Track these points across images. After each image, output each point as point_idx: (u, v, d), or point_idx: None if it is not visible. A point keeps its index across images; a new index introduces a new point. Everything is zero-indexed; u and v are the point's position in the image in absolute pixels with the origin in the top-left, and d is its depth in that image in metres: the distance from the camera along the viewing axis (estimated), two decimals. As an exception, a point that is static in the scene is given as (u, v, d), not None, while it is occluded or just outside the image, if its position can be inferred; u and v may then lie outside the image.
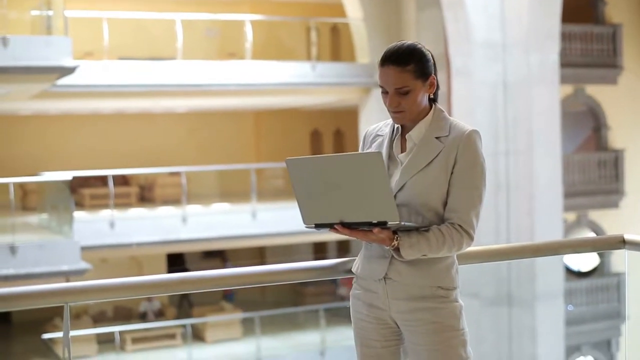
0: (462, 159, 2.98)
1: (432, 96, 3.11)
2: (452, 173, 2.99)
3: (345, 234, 2.92)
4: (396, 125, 3.14)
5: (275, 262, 3.51)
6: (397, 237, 2.91)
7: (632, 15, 21.61)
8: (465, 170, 2.99)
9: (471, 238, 2.99)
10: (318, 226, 2.96)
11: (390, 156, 3.10)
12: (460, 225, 2.97)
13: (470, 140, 3.00)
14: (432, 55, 3.11)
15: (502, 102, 15.71)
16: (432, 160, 3.00)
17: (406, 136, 3.10)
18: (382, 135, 3.17)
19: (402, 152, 3.10)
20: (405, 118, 3.06)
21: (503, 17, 15.63)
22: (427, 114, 3.09)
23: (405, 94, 3.02)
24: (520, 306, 15.72)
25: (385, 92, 3.06)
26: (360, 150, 3.18)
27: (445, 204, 3.01)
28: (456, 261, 3.10)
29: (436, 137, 3.03)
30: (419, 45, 3.08)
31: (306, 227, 3.00)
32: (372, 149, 3.15)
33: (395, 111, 3.05)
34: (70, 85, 16.18)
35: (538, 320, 15.70)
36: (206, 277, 3.20)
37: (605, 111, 21.41)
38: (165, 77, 17.46)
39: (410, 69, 3.01)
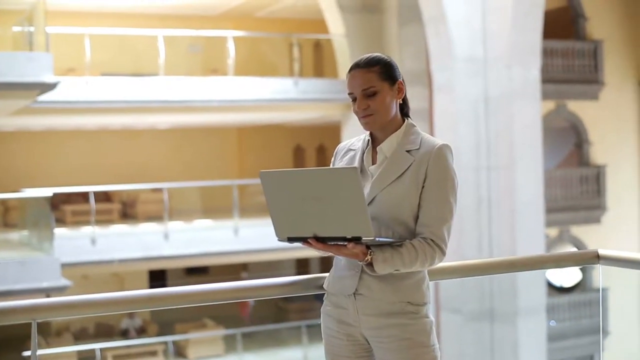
0: (432, 173, 2.97)
1: (402, 105, 3.13)
2: (422, 187, 2.98)
3: (319, 249, 2.90)
4: (368, 139, 3.13)
5: (257, 278, 3.49)
6: (370, 252, 2.89)
7: (613, 31, 21.72)
8: (436, 184, 2.97)
9: (443, 253, 2.98)
10: (291, 239, 2.93)
11: (362, 169, 3.09)
12: (432, 240, 2.95)
13: (440, 154, 2.99)
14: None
15: (484, 117, 15.73)
16: (402, 174, 2.99)
17: (377, 148, 3.09)
18: (354, 150, 3.16)
19: (372, 164, 3.09)
20: (376, 122, 3.05)
21: (485, 33, 15.67)
22: (398, 128, 3.08)
23: (373, 95, 3.03)
24: (502, 321, 15.70)
25: (354, 100, 3.07)
26: (331, 165, 3.17)
27: (415, 218, 2.99)
28: (427, 276, 3.09)
29: (407, 151, 3.02)
30: (385, 55, 3.11)
31: (279, 240, 2.98)
32: (343, 163, 3.14)
33: (364, 115, 3.05)
34: (51, 101, 16.12)
35: (520, 336, 15.68)
36: (176, 293, 3.17)
37: (587, 127, 21.48)
38: (147, 93, 17.42)
39: (376, 70, 3.04)
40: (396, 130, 3.08)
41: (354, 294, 3.03)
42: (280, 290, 3.39)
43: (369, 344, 3.09)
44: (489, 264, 3.91)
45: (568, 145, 22.19)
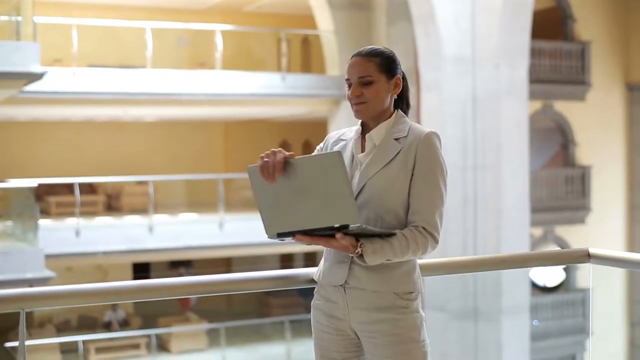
0: (421, 159, 2.98)
1: (398, 102, 3.14)
2: (412, 175, 2.98)
3: (308, 242, 2.89)
4: (358, 129, 3.14)
5: (241, 270, 3.47)
6: (360, 244, 2.88)
7: (601, 32, 21.78)
8: (425, 171, 2.98)
9: (436, 241, 2.97)
10: (280, 235, 2.91)
11: (352, 158, 3.09)
12: (424, 228, 2.95)
13: (428, 141, 3.00)
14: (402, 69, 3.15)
15: (471, 117, 15.75)
16: (390, 161, 3.00)
17: (366, 136, 3.10)
18: (345, 140, 3.16)
19: (362, 152, 3.09)
20: (367, 111, 3.06)
21: (473, 32, 15.69)
22: (389, 118, 3.10)
23: (368, 85, 3.04)
24: (486, 320, 15.73)
25: (350, 87, 3.09)
26: (321, 149, 3.20)
27: (405, 206, 2.99)
28: (417, 266, 3.08)
29: (395, 139, 3.03)
30: (389, 50, 3.13)
31: (269, 237, 2.97)
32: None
33: (357, 102, 3.06)
34: (38, 91, 16.06)
35: (504, 335, 15.72)
36: (164, 285, 3.16)
37: (573, 127, 21.54)
38: (134, 85, 17.37)
39: (376, 60, 3.06)
40: (386, 120, 3.09)
41: (344, 287, 3.02)
42: (270, 284, 3.37)
43: (358, 338, 3.08)
44: (479, 261, 3.91)
45: (554, 145, 22.25)
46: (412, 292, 3.02)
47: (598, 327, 20.67)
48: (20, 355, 2.99)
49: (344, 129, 3.24)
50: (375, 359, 3.03)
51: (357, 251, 2.88)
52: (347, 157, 3.08)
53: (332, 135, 3.23)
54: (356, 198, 2.99)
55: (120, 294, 3.18)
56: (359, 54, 3.09)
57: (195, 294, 3.24)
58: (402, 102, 3.16)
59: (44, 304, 3.07)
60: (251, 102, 19.16)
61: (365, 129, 3.13)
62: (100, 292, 3.10)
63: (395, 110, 3.12)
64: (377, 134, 3.07)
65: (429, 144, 3.00)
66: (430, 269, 3.51)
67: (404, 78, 3.15)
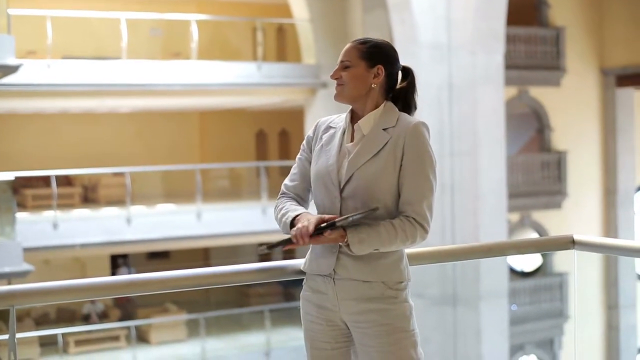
0: (409, 149, 3.01)
1: (396, 98, 3.18)
2: (401, 165, 3.01)
3: (300, 245, 2.93)
4: (348, 117, 3.17)
5: (220, 263, 3.47)
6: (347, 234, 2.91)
7: (575, 18, 21.87)
8: (414, 161, 3.01)
9: (425, 231, 3.00)
10: (271, 247, 2.96)
11: (340, 147, 3.11)
12: (413, 218, 2.98)
13: (417, 131, 3.03)
14: (399, 62, 3.19)
15: (448, 104, 15.80)
16: (379, 151, 3.02)
17: (355, 125, 3.12)
18: (334, 128, 3.19)
19: (351, 142, 3.11)
20: (342, 94, 3.13)
21: (449, 19, 15.71)
22: (377, 107, 3.13)
23: (347, 69, 3.11)
24: (464, 306, 15.81)
25: None
26: (311, 137, 3.23)
27: (393, 197, 3.01)
28: (405, 255, 3.10)
29: (384, 129, 3.06)
30: (390, 44, 3.19)
31: (259, 253, 3.04)
32: (323, 141, 3.16)
33: (337, 85, 3.13)
34: (13, 84, 15.97)
35: (483, 320, 15.81)
36: (159, 279, 3.15)
37: (548, 113, 21.63)
38: (109, 76, 17.30)
39: (360, 48, 3.12)
40: (374, 109, 3.12)
41: (334, 278, 3.04)
42: (259, 276, 3.37)
43: (348, 329, 3.10)
44: (464, 249, 3.92)
45: (529, 131, 22.35)
46: (401, 282, 3.04)
47: (576, 310, 20.83)
48: (10, 350, 2.99)
49: (333, 116, 3.26)
50: (365, 349, 3.05)
51: (345, 241, 2.90)
52: (335, 146, 3.11)
53: (322, 121, 3.26)
54: (344, 188, 3.02)
55: (110, 289, 3.17)
56: (353, 41, 3.17)
57: (185, 288, 3.24)
58: (397, 99, 3.18)
59: (34, 301, 3.06)
60: (227, 92, 19.11)
61: (354, 117, 3.16)
62: (90, 287, 3.10)
63: (385, 101, 3.14)
64: (365, 123, 3.10)
65: (417, 134, 3.02)
66: (418, 258, 3.52)
67: (408, 75, 3.18)
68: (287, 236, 2.96)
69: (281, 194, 3.22)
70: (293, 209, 3.09)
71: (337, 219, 2.87)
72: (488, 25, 15.72)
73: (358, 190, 3.01)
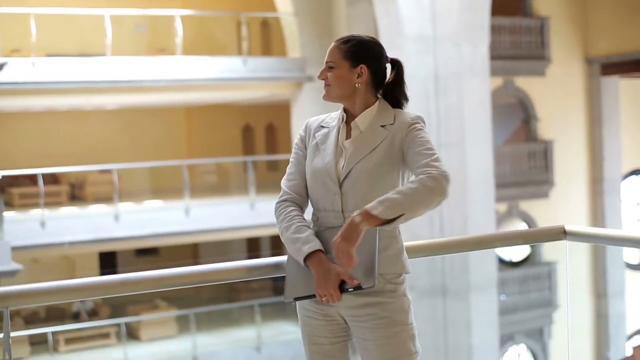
0: (409, 137, 3.04)
1: (387, 93, 3.20)
2: (403, 153, 3.03)
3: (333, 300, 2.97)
4: (343, 116, 3.18)
5: (209, 259, 3.46)
6: (369, 209, 2.85)
7: (560, 7, 21.90)
8: (415, 139, 3.02)
9: (446, 178, 2.94)
10: (297, 299, 3.05)
11: (337, 145, 3.13)
12: (428, 170, 2.92)
13: (415, 125, 3.07)
14: (386, 57, 3.19)
15: (434, 95, 15.80)
16: (376, 147, 3.05)
17: (351, 124, 3.14)
18: (327, 127, 3.20)
19: (347, 139, 3.13)
20: (329, 94, 3.16)
21: (434, 11, 15.71)
22: (372, 105, 3.15)
23: (331, 69, 3.14)
24: (454, 297, 15.84)
25: None
26: (304, 136, 3.23)
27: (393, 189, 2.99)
28: (404, 248, 3.10)
29: (382, 126, 3.08)
30: (374, 41, 3.18)
31: (285, 301, 3.06)
32: (317, 139, 3.17)
33: (324, 84, 3.17)
34: (-3, 83, 15.90)
35: (472, 311, 15.84)
36: (153, 277, 3.15)
37: (534, 103, 21.68)
38: (94, 73, 17.23)
39: (343, 48, 3.14)
40: (369, 107, 3.14)
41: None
42: (253, 273, 3.36)
43: (346, 323, 3.10)
44: (455, 242, 3.92)
45: (515, 121, 22.39)
46: (400, 275, 3.04)
47: (565, 299, 20.91)
48: (5, 350, 2.99)
49: (322, 116, 3.27)
50: (363, 343, 3.06)
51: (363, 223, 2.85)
52: (331, 144, 3.12)
53: (312, 121, 3.27)
54: (342, 183, 3.03)
55: (104, 289, 3.16)
56: (336, 40, 3.18)
57: (178, 286, 3.23)
58: (388, 92, 3.19)
59: (29, 302, 3.06)
60: (213, 87, 19.06)
61: (348, 116, 3.18)
62: (84, 287, 3.09)
63: (378, 99, 3.17)
64: (362, 121, 3.12)
65: (415, 127, 3.06)
66: (413, 251, 3.52)
67: (396, 67, 3.19)
68: (312, 292, 2.97)
69: (281, 197, 3.18)
70: (303, 231, 3.04)
71: (358, 284, 2.92)
72: (473, 16, 15.72)
73: (357, 185, 3.03)
